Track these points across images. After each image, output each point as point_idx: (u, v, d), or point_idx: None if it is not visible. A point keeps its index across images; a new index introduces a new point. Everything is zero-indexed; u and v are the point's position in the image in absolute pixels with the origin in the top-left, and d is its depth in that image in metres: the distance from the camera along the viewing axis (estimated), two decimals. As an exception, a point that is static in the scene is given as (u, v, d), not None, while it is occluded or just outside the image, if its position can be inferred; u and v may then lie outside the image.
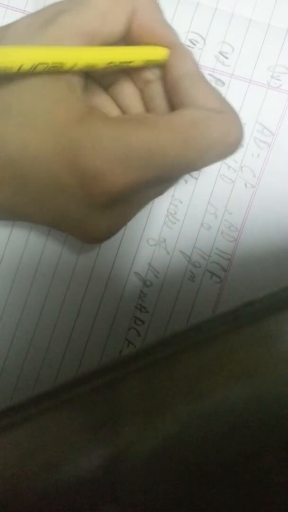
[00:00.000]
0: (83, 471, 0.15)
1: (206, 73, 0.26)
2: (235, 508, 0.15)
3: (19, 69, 0.18)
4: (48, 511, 0.15)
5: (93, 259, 0.26)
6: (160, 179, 0.21)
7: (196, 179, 0.26)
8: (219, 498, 0.15)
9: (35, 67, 0.18)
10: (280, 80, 0.25)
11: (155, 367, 0.16)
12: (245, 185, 0.26)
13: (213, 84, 0.25)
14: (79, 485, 0.15)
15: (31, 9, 0.27)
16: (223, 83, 0.26)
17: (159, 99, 0.22)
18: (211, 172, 0.26)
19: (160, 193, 0.23)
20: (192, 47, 0.26)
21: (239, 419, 0.16)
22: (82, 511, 0.15)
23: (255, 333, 0.16)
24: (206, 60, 0.26)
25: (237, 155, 0.26)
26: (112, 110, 0.23)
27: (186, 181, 0.26)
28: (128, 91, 0.23)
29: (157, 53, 0.21)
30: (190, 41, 0.26)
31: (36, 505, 0.15)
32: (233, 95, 0.26)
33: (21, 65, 0.18)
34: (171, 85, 0.20)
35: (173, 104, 0.21)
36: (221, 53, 0.26)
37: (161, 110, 0.22)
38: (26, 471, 0.15)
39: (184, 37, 0.26)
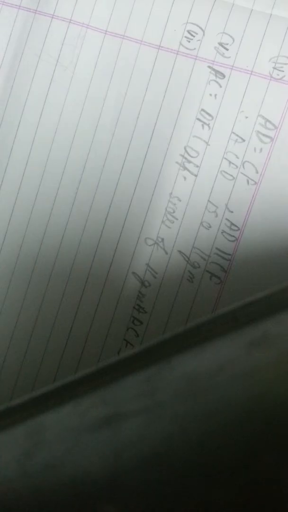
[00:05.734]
0: (83, 471, 0.17)
1: (205, 65, 0.27)
2: (235, 508, 0.17)
3: None
4: (48, 511, 0.17)
5: (90, 259, 0.28)
6: None
7: (196, 175, 0.28)
8: (219, 498, 0.17)
9: None
10: (283, 71, 0.27)
11: (155, 367, 0.18)
12: (247, 182, 0.27)
13: (213, 76, 0.27)
14: (79, 485, 0.17)
15: (27, 5, 0.29)
16: (223, 76, 0.27)
17: None
18: (211, 169, 0.27)
19: None
20: (191, 39, 0.28)
21: (239, 419, 0.18)
22: (82, 511, 0.17)
23: (255, 333, 0.18)
24: (206, 52, 0.27)
25: (239, 150, 0.27)
26: None
27: (185, 178, 0.28)
28: None
29: None
30: (189, 32, 0.28)
31: (36, 505, 0.17)
32: (234, 87, 0.27)
33: None
34: None
35: None
36: (221, 44, 0.27)
37: None
38: (26, 471, 0.17)
39: (182, 29, 0.28)
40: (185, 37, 0.28)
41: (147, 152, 0.28)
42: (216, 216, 0.27)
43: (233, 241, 0.27)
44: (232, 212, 0.27)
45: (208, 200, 0.27)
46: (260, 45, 0.27)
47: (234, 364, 0.18)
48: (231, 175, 0.27)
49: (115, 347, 0.28)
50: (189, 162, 0.28)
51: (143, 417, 0.17)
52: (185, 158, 0.28)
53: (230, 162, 0.27)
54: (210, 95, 0.27)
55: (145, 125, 0.28)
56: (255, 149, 0.27)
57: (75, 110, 0.29)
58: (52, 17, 0.29)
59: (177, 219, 0.28)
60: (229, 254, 0.27)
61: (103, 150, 0.28)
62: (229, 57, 0.27)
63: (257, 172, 0.27)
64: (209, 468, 0.17)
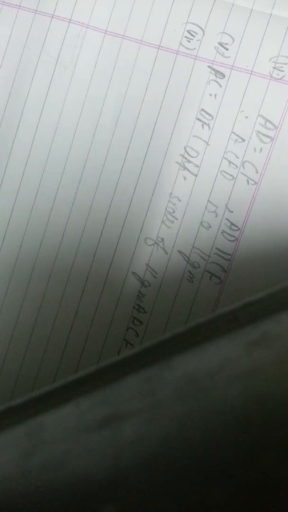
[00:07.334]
0: (83, 471, 0.17)
1: (205, 65, 0.28)
2: (235, 508, 0.17)
3: None
4: (48, 511, 0.17)
5: (90, 259, 0.28)
6: None
7: (196, 175, 0.28)
8: (219, 498, 0.17)
9: None
10: (283, 71, 0.27)
11: (155, 367, 0.18)
12: (247, 182, 0.27)
13: (213, 76, 0.27)
14: (79, 485, 0.17)
15: (27, 5, 0.29)
16: (223, 75, 0.27)
17: None
18: (211, 169, 0.27)
19: None
20: (191, 39, 0.28)
21: (239, 419, 0.18)
22: (82, 511, 0.17)
23: (255, 333, 0.18)
24: (206, 51, 0.27)
25: (239, 150, 0.27)
26: None
27: (185, 178, 0.28)
28: None
29: None
30: (189, 32, 0.28)
31: (36, 505, 0.17)
32: (233, 87, 0.27)
33: None
34: None
35: None
36: (221, 44, 0.28)
37: None
38: (26, 471, 0.17)
39: (182, 29, 0.28)
40: (185, 37, 0.28)
41: (147, 152, 0.28)
42: (216, 216, 0.27)
43: (233, 241, 0.27)
44: (232, 212, 0.27)
45: (208, 200, 0.27)
46: (260, 45, 0.27)
47: (234, 364, 0.18)
48: (231, 175, 0.27)
49: (115, 347, 0.28)
50: (189, 162, 0.28)
51: (143, 417, 0.17)
52: (185, 158, 0.28)
53: (230, 162, 0.27)
54: (210, 95, 0.27)
55: (145, 125, 0.28)
56: (255, 149, 0.27)
57: (75, 110, 0.29)
58: (52, 17, 0.29)
59: (177, 219, 0.28)
60: (229, 254, 0.27)
61: (103, 150, 0.28)
62: (229, 57, 0.27)
63: (257, 172, 0.27)
64: (209, 468, 0.17)
